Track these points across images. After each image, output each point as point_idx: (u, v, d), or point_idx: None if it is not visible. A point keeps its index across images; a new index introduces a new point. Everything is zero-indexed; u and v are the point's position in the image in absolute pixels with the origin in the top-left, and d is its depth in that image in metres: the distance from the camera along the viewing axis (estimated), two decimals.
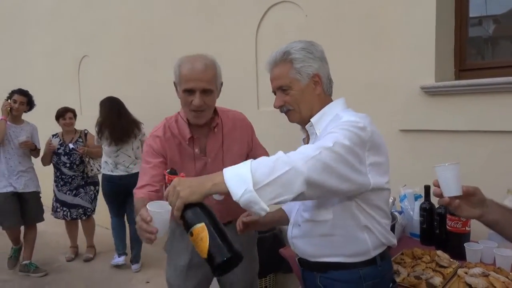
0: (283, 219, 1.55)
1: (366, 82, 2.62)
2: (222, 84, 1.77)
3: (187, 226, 1.07)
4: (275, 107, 1.41)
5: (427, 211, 2.05)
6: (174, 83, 1.73)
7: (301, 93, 1.35)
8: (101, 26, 5.21)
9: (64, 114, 4.41)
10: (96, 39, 5.32)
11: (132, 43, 4.74)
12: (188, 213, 1.07)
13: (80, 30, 5.62)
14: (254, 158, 1.71)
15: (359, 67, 2.65)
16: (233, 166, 1.07)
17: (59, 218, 4.45)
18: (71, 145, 4.36)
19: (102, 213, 4.67)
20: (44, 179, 4.60)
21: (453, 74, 2.37)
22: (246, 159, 1.60)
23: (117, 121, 3.99)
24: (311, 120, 1.35)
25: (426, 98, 2.33)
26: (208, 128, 1.81)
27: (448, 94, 2.25)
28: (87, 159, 4.37)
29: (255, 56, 3.36)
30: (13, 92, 4.14)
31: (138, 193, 1.66)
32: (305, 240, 1.35)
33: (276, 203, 1.06)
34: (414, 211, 2.17)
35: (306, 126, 1.38)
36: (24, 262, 4.19)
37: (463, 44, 2.37)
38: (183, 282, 1.89)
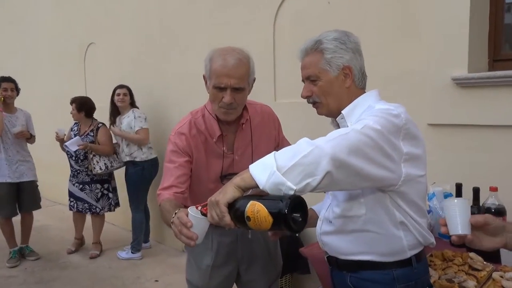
0: (313, 219, 1.54)
1: (392, 72, 2.59)
2: (254, 80, 1.75)
3: (241, 218, 1.10)
4: (302, 96, 1.42)
5: None
6: (204, 76, 1.71)
7: (329, 85, 1.35)
8: (109, 11, 5.24)
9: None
10: (104, 25, 5.35)
11: (141, 31, 4.76)
12: (234, 209, 1.12)
13: (87, 15, 5.66)
14: None
15: (385, 56, 2.62)
16: (259, 160, 1.11)
17: (70, 209, 4.56)
18: (68, 143, 4.25)
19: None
20: (43, 170, 4.66)
21: (487, 65, 2.34)
22: None
23: None
24: (342, 112, 1.34)
25: (458, 90, 2.30)
26: (237, 124, 1.79)
27: (481, 86, 2.22)
28: (91, 156, 4.31)
29: (272, 45, 3.35)
30: None
31: (164, 194, 1.65)
32: (336, 237, 1.34)
33: (305, 187, 1.06)
34: (444, 211, 2.15)
35: (337, 119, 1.38)
36: (20, 246, 4.45)
37: (498, 32, 2.33)
38: (207, 282, 1.90)
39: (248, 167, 1.12)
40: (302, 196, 1.09)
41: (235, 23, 3.64)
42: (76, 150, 4.28)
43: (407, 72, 2.53)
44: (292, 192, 1.05)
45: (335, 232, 1.35)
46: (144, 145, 4.26)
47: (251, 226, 1.11)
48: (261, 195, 1.11)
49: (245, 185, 1.11)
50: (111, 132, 4.42)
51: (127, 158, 4.29)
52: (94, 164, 4.30)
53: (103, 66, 5.43)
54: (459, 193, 2.04)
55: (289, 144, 1.96)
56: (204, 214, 1.22)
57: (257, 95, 3.44)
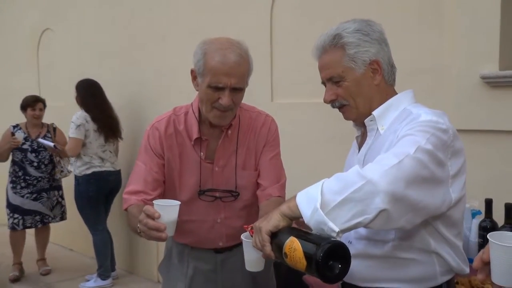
0: None
1: (411, 69, 2.65)
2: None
3: (279, 251, 1.18)
4: (325, 101, 1.45)
5: (488, 231, 2.07)
6: (192, 71, 1.74)
7: (356, 84, 1.39)
8: None
9: (35, 104, 4.58)
10: (62, 7, 5.37)
11: (110, 15, 4.79)
12: (275, 239, 1.20)
13: None
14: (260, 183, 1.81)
15: (402, 51, 2.67)
16: (308, 188, 1.18)
17: (9, 227, 4.57)
18: (41, 140, 4.44)
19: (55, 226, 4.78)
20: None
21: None
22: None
23: (109, 111, 4.34)
24: (373, 113, 1.39)
25: (488, 90, 2.37)
26: (222, 132, 1.81)
27: None
28: (57, 159, 4.53)
29: (269, 37, 3.40)
30: None
31: (131, 199, 1.72)
32: (357, 261, 1.36)
33: (355, 227, 1.12)
34: (471, 230, 2.21)
35: (365, 121, 1.42)
36: None
37: None
38: None
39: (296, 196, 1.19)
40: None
41: (223, 8, 3.69)
42: (40, 154, 4.49)
43: (428, 69, 2.60)
44: (334, 234, 1.10)
45: (356, 255, 1.36)
46: (73, 157, 4.32)
47: (288, 263, 1.17)
48: (303, 232, 1.19)
49: (291, 215, 1.19)
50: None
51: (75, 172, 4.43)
52: (61, 167, 4.54)
53: (62, 57, 5.44)
54: (489, 210, 2.11)
55: (275, 173, 1.93)
56: None
57: (250, 95, 3.46)
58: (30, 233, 4.76)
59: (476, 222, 2.19)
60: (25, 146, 4.50)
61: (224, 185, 1.82)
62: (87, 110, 4.27)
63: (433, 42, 2.59)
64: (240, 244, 1.76)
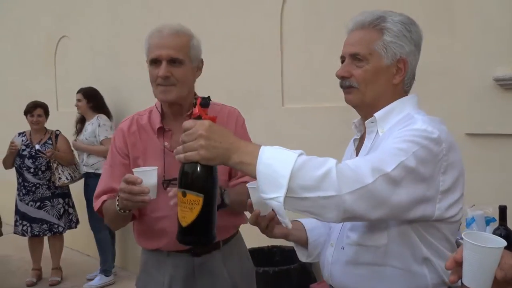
0: (301, 240, 1.54)
1: (424, 71, 2.55)
2: (202, 62, 1.88)
3: (185, 183, 1.20)
4: (337, 75, 1.38)
5: (503, 238, 2.03)
6: (147, 62, 1.83)
7: (376, 73, 1.33)
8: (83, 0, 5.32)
9: (33, 111, 4.58)
10: (78, 15, 5.43)
11: (121, 22, 4.83)
12: (194, 171, 1.18)
13: (58, 3, 5.74)
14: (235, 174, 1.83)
15: None
16: (275, 150, 1.13)
17: (18, 234, 4.62)
18: (37, 146, 4.50)
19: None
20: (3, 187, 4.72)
21: None
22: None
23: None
24: (375, 115, 1.35)
25: (501, 92, 2.31)
26: (184, 119, 1.82)
27: None
28: (55, 165, 4.49)
29: (279, 39, 3.38)
30: None
31: (102, 198, 1.84)
32: (347, 268, 1.34)
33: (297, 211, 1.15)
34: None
35: (366, 122, 1.39)
36: None
37: None
38: None
39: (259, 148, 1.14)
40: None
41: (235, 11, 3.68)
42: (37, 160, 4.48)
43: (440, 71, 2.55)
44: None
45: (347, 262, 1.34)
46: None
47: (176, 196, 1.24)
48: (213, 200, 1.24)
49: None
50: (72, 147, 4.62)
51: (87, 169, 4.47)
52: (59, 174, 4.47)
53: (78, 64, 5.49)
54: (503, 217, 2.05)
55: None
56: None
57: (260, 99, 3.50)
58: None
59: (490, 229, 2.13)
60: (24, 153, 4.53)
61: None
62: (105, 113, 4.52)
63: (445, 44, 2.54)
64: (216, 247, 1.86)
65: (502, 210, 2.05)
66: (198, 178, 1.18)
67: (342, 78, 1.37)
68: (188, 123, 1.18)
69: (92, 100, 4.50)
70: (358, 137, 1.48)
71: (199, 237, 1.24)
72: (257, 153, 1.11)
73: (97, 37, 5.17)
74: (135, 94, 4.65)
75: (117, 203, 1.65)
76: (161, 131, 1.85)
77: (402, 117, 1.34)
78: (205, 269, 1.86)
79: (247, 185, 1.43)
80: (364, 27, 1.35)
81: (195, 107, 1.24)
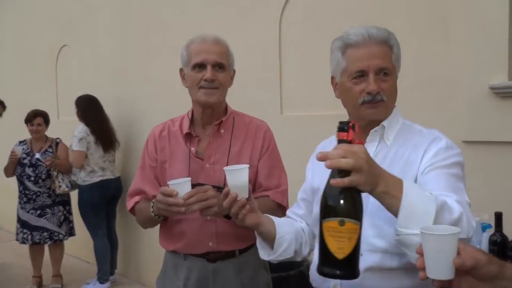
0: (269, 234, 1.52)
1: (421, 80, 2.63)
2: (234, 72, 1.97)
3: (346, 211, 1.10)
4: (372, 92, 1.37)
5: (499, 245, 2.05)
6: (181, 70, 1.92)
7: (395, 85, 1.42)
8: (85, 9, 5.36)
9: (32, 119, 4.63)
10: (79, 24, 5.46)
11: (123, 31, 4.86)
12: (354, 197, 1.12)
13: (60, 13, 5.79)
14: (260, 186, 1.86)
15: (412, 61, 2.66)
16: (416, 188, 1.17)
17: (18, 241, 4.65)
18: (37, 155, 4.55)
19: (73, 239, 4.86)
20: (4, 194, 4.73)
21: None
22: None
23: (106, 124, 4.57)
24: (383, 123, 1.40)
25: (497, 100, 2.34)
26: (213, 128, 1.92)
27: None
28: (55, 173, 4.55)
29: (278, 47, 3.41)
30: None
31: (135, 198, 1.95)
32: (369, 274, 1.32)
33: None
34: (481, 244, 2.17)
35: (372, 130, 1.42)
36: None
37: None
38: None
39: (403, 183, 1.14)
40: None
41: (234, 20, 3.71)
42: (37, 169, 4.53)
43: (437, 80, 2.58)
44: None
45: (368, 269, 1.32)
46: (77, 168, 4.51)
47: (327, 225, 1.12)
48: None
49: (381, 201, 1.15)
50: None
51: (79, 182, 4.58)
52: (59, 182, 4.54)
53: (78, 73, 5.54)
54: (499, 224, 2.07)
55: (276, 179, 1.95)
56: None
57: (259, 107, 3.51)
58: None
59: (486, 236, 2.14)
60: (25, 161, 4.57)
61: (214, 182, 1.83)
62: (87, 124, 4.51)
63: (441, 52, 2.57)
64: (232, 255, 1.87)
65: (498, 216, 2.07)
66: (357, 204, 1.12)
67: (376, 93, 1.37)
68: (344, 146, 1.11)
69: (77, 109, 4.58)
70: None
71: (353, 270, 1.12)
72: (401, 187, 1.13)
73: (98, 46, 5.20)
74: (137, 104, 4.68)
75: (152, 209, 1.75)
76: (189, 136, 1.92)
77: (400, 126, 1.43)
78: (219, 276, 1.89)
79: (224, 168, 1.52)
80: (379, 42, 1.39)
81: (342, 131, 1.14)
